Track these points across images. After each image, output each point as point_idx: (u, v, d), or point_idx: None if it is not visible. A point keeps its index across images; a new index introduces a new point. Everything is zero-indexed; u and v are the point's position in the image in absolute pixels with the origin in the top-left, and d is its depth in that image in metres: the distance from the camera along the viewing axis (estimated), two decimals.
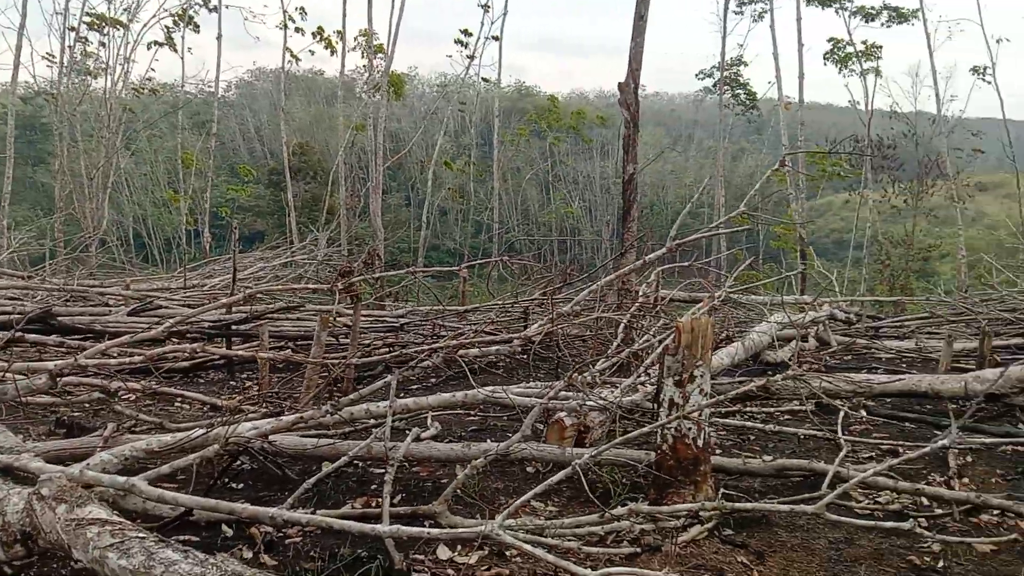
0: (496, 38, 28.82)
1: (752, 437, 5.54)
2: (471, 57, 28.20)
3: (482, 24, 27.90)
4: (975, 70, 27.06)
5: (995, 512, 3.81)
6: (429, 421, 4.41)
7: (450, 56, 29.36)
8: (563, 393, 4.38)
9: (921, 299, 17.35)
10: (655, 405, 4.18)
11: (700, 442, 3.94)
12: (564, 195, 51.73)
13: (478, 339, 6.63)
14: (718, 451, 5.06)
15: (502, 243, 33.61)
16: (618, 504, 3.80)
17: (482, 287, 14.76)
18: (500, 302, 9.11)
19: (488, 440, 5.02)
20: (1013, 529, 3.70)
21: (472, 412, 5.88)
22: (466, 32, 27.98)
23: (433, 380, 7.50)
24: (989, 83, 26.97)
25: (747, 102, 30.58)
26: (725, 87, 29.47)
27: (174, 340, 8.52)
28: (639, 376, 5.07)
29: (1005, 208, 31.24)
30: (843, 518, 3.45)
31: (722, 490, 3.98)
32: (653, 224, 36.11)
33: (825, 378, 6.39)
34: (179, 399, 6.39)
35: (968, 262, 24.23)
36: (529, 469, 4.58)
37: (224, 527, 3.60)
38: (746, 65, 29.83)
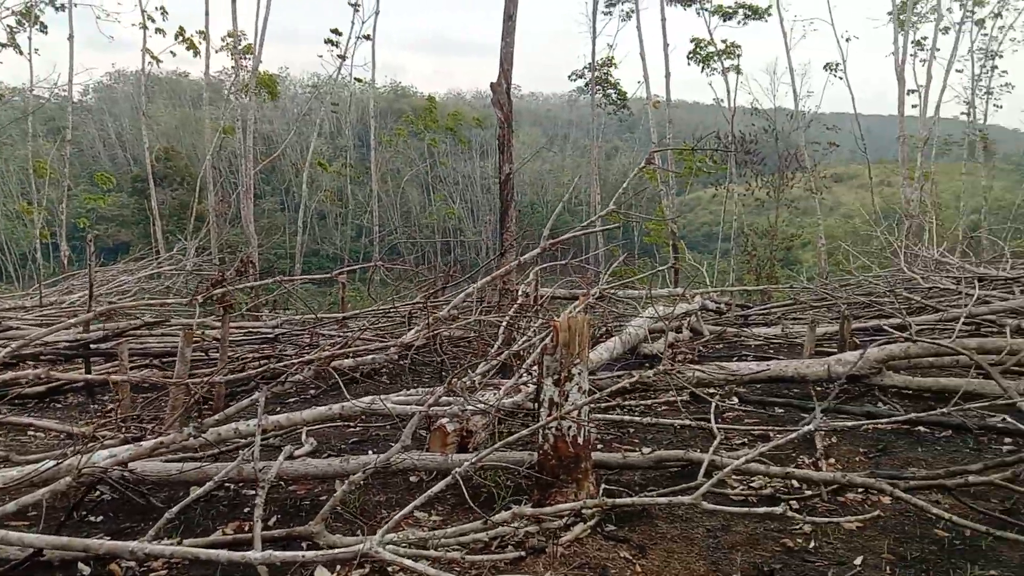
0: (368, 37, 28.35)
1: (632, 430, 5.62)
2: (342, 57, 27.65)
3: (352, 23, 27.42)
4: (828, 67, 28.77)
5: (859, 490, 3.99)
6: (304, 437, 4.23)
7: (320, 56, 28.70)
8: (444, 399, 4.29)
9: (786, 287, 18.28)
10: (536, 405, 4.16)
11: (580, 440, 3.95)
12: (445, 196, 51.66)
13: (353, 349, 6.42)
14: (599, 447, 5.11)
15: (384, 246, 33.14)
16: (502, 508, 3.76)
17: (364, 292, 14.49)
18: (380, 308, 8.92)
19: (370, 452, 4.88)
20: (876, 506, 3.89)
21: (353, 424, 5.72)
22: (336, 32, 27.42)
23: (312, 392, 7.26)
24: (841, 79, 28.73)
25: (618, 102, 31.31)
26: (596, 87, 30.08)
27: (28, 363, 7.89)
28: (520, 377, 5.05)
29: (859, 197, 33.43)
30: (719, 507, 3.53)
31: (604, 486, 4.01)
32: (534, 223, 36.51)
33: (698, 368, 6.60)
34: (31, 428, 5.90)
35: (827, 250, 25.69)
36: (413, 479, 4.47)
37: (81, 565, 3.33)
38: (616, 65, 30.53)
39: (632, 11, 28.49)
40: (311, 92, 43.22)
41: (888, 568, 3.23)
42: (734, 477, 4.29)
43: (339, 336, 7.75)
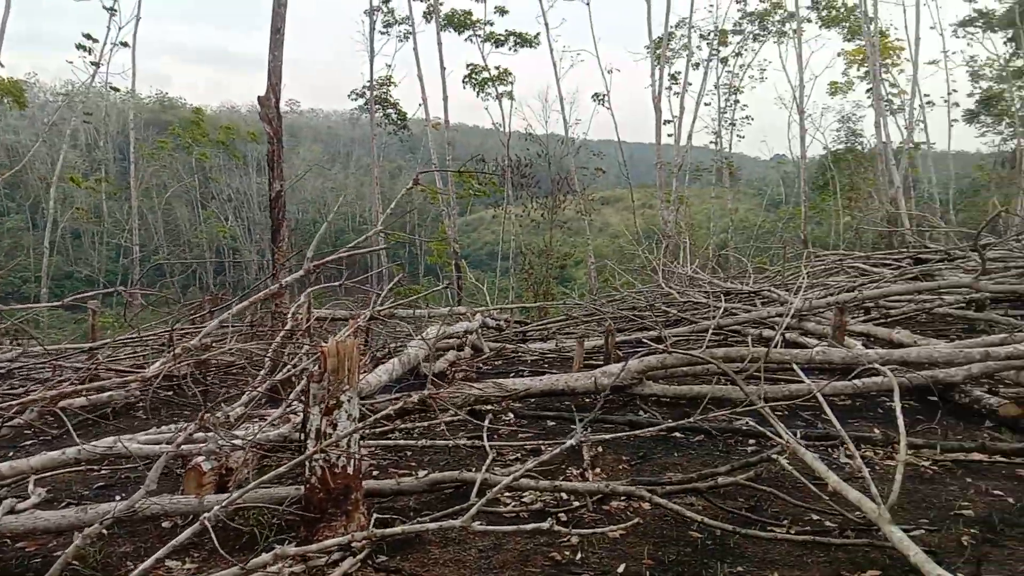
0: (126, 44, 26.29)
1: (410, 453, 5.53)
2: (96, 64, 25.40)
3: (108, 29, 25.32)
4: (595, 97, 30.68)
5: (622, 498, 4.16)
6: (31, 487, 3.71)
7: (71, 62, 26.23)
8: (198, 435, 3.95)
9: (560, 303, 19.09)
10: (302, 436, 3.95)
11: (351, 470, 3.79)
12: (216, 213, 48.91)
13: (85, 387, 5.77)
14: (376, 473, 4.97)
15: (147, 267, 30.66)
16: (264, 550, 3.50)
17: (121, 319, 13.24)
18: (124, 337, 8.16)
19: (117, 497, 4.39)
20: (637, 512, 4.06)
21: (97, 468, 5.13)
22: (90, 37, 25.16)
23: (55, 432, 6.46)
24: (607, 108, 30.71)
25: (398, 122, 31.36)
26: (376, 106, 29.92)
27: None
28: (289, 406, 4.79)
29: (624, 219, 35.76)
30: (488, 527, 3.51)
31: (375, 515, 3.86)
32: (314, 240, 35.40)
33: (475, 386, 6.65)
34: None
35: (597, 267, 27.23)
36: (165, 524, 4.07)
37: None
38: (395, 85, 30.59)
39: (409, 33, 28.70)
40: (63, 100, 39.32)
41: (648, 573, 3.37)
42: (507, 494, 4.32)
43: (85, 369, 6.97)
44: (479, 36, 29.03)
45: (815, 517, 3.92)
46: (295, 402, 4.98)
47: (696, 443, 5.46)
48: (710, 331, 7.63)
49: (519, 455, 5.28)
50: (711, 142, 34.13)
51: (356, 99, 31.73)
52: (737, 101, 33.77)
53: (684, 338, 9.69)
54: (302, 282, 8.62)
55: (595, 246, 31.29)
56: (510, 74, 29.55)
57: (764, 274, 16.28)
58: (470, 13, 28.79)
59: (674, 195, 28.35)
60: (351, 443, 3.72)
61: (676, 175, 29.30)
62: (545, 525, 3.27)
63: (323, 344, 3.89)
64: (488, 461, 4.22)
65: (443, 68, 26.54)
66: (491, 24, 29.39)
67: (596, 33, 30.54)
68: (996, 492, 4.27)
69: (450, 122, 27.28)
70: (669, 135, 30.12)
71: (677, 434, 5.63)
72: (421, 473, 4.66)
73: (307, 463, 3.75)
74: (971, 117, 34.17)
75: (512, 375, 8.48)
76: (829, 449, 5.01)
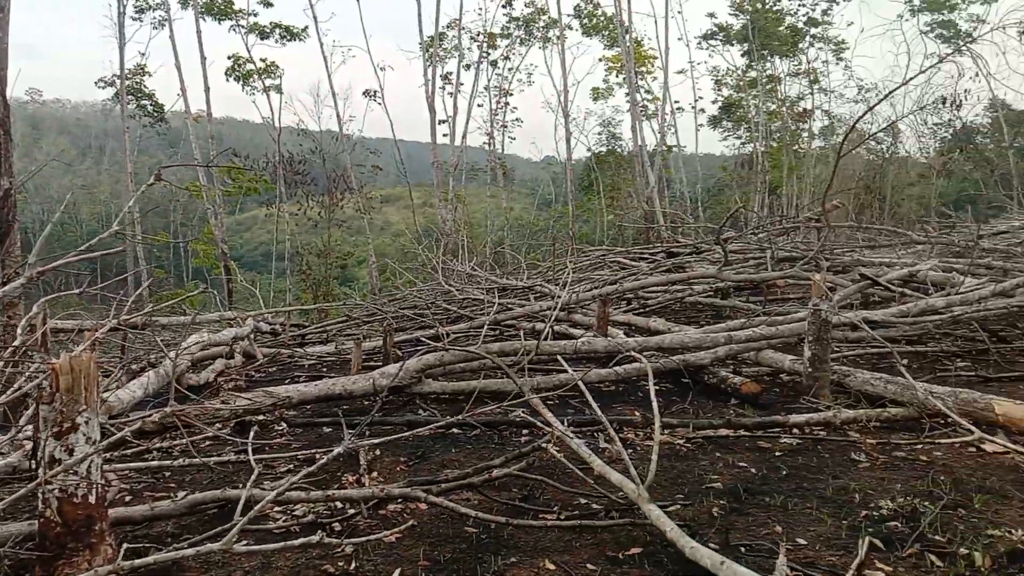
0: None
1: (168, 474, 5.09)
2: None
3: None
4: (367, 93, 30.32)
5: (398, 501, 4.08)
6: None
7: None
8: None
9: (341, 304, 18.68)
10: (32, 464, 3.48)
11: (92, 498, 3.39)
12: None
13: None
14: (128, 499, 4.53)
15: None
16: None
17: None
18: None
19: None
20: (415, 513, 4.01)
21: None
22: None
23: None
24: (380, 104, 30.46)
25: (154, 114, 29.10)
26: (129, 97, 27.56)
27: None
28: (19, 431, 4.22)
29: (405, 217, 35.73)
30: (253, 547, 3.29)
31: (127, 546, 3.50)
32: (65, 244, 32.09)
33: (245, 396, 6.29)
34: None
35: (379, 266, 26.98)
36: None
37: None
38: (150, 75, 28.39)
39: (165, 20, 26.74)
40: None
41: (423, 574, 3.32)
42: (277, 509, 4.10)
43: None
44: (243, 27, 27.67)
45: (583, 501, 4.08)
46: (27, 427, 4.41)
47: (473, 438, 5.52)
48: (485, 327, 7.77)
49: (291, 466, 5.04)
50: (485, 143, 34.99)
51: (104, 87, 29.07)
52: (507, 103, 34.89)
53: (463, 334, 9.81)
54: (43, 291, 7.71)
55: (376, 245, 30.97)
56: (278, 67, 28.48)
57: (537, 270, 16.93)
58: (231, 2, 27.36)
59: (451, 194, 28.74)
60: (91, 469, 3.33)
61: (453, 174, 29.72)
62: (315, 538, 3.11)
63: (53, 361, 3.45)
64: (254, 475, 3.95)
65: (204, 58, 25.00)
66: (255, 15, 28.19)
67: (368, 29, 30.21)
68: (741, 464, 4.68)
69: (215, 115, 25.77)
70: (445, 135, 30.54)
71: (455, 430, 5.65)
72: (180, 495, 4.31)
73: (41, 494, 3.31)
74: (715, 122, 37.78)
75: (288, 381, 8.12)
76: (596, 434, 5.24)
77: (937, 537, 3.44)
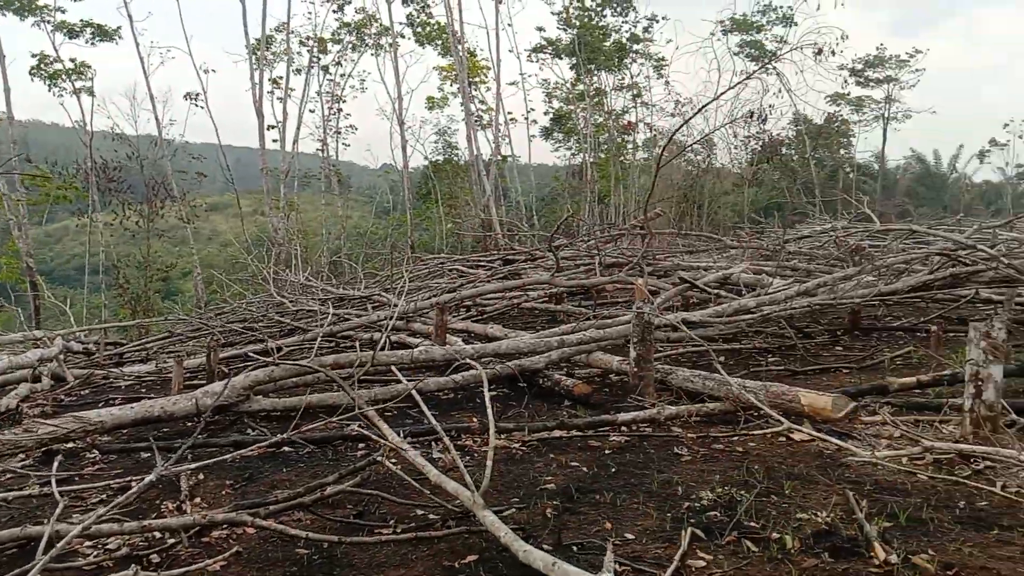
0: None
1: None
2: None
3: None
4: (188, 96, 28.83)
5: (223, 527, 3.87)
6: None
7: None
8: None
9: (162, 319, 17.60)
10: None
11: None
12: None
13: None
14: None
15: None
16: None
17: None
18: None
19: None
20: (242, 538, 3.81)
21: None
22: None
23: None
24: (202, 108, 29.03)
25: None
26: None
27: None
28: None
29: (234, 226, 34.21)
30: None
31: None
32: None
33: (51, 423, 5.76)
34: None
35: (206, 278, 25.64)
36: None
37: None
38: None
39: None
40: None
41: None
42: (87, 544, 3.77)
43: None
44: (49, 23, 25.54)
45: (420, 512, 4.03)
46: None
47: (306, 455, 5.33)
48: (319, 339, 7.55)
49: (104, 497, 4.66)
50: (318, 149, 34.11)
51: None
52: (340, 110, 34.18)
53: (296, 348, 9.50)
54: None
55: (203, 256, 29.44)
56: (89, 68, 26.49)
57: (375, 279, 16.71)
58: None
59: (283, 202, 27.82)
60: None
61: (284, 181, 28.78)
62: (128, 572, 2.89)
63: None
64: (59, 509, 3.63)
65: (2, 56, 22.84)
66: (63, 11, 26.10)
67: (189, 30, 28.78)
68: (573, 464, 4.81)
69: (20, 119, 23.64)
70: (275, 140, 29.53)
71: (287, 448, 5.44)
72: None
73: None
74: (546, 133, 38.86)
75: (102, 405, 7.53)
76: (434, 444, 5.22)
77: (752, 523, 3.68)
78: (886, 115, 38.53)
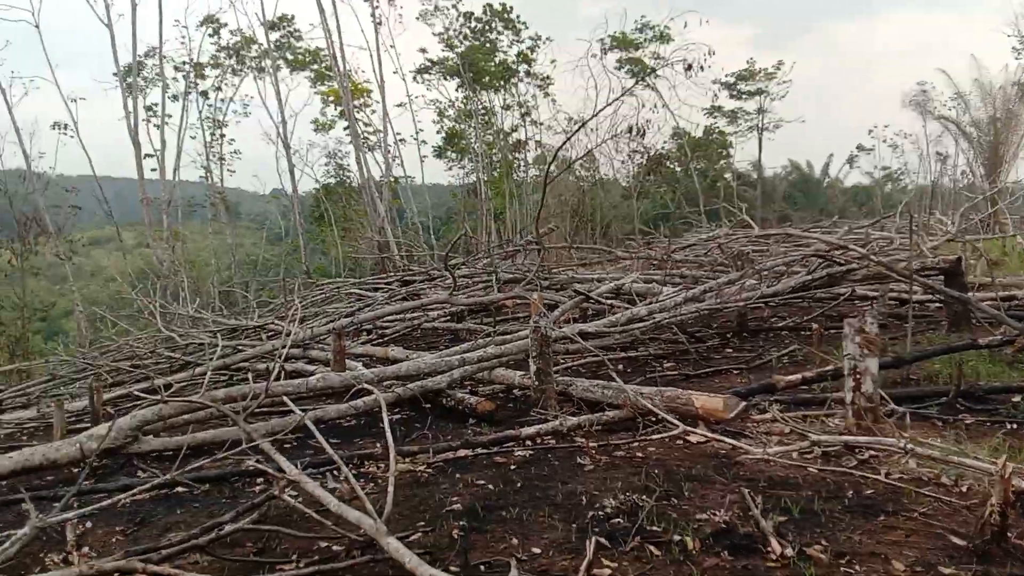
0: None
1: None
2: None
3: None
4: (57, 126, 27.47)
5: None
6: None
7: None
8: None
9: (43, 362, 16.61)
10: None
11: None
12: None
13: None
14: None
15: None
16: None
17: None
18: None
19: None
20: None
21: None
22: None
23: None
24: (73, 138, 27.68)
25: None
26: None
27: None
28: None
29: (118, 261, 32.62)
30: None
31: None
32: None
33: None
34: None
35: (90, 316, 24.37)
36: None
37: None
38: None
39: None
40: None
41: None
42: None
43: None
44: None
45: (324, 545, 3.94)
46: None
47: (202, 495, 5.13)
48: (208, 373, 7.29)
49: None
50: (202, 176, 33.03)
51: None
52: (223, 135, 33.26)
53: (188, 383, 9.13)
54: None
55: (85, 293, 27.95)
56: None
57: (270, 307, 16.28)
58: None
59: (167, 232, 26.80)
60: None
61: (167, 211, 27.74)
62: None
63: None
64: None
65: None
66: None
67: (53, 59, 27.44)
68: (479, 482, 4.80)
69: None
70: (153, 169, 28.43)
71: (181, 489, 5.22)
72: None
73: None
74: (439, 153, 38.89)
75: None
76: (335, 472, 5.11)
77: (654, 528, 3.77)
78: (760, 125, 40.41)
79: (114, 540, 4.40)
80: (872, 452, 4.68)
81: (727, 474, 4.54)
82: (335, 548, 3.87)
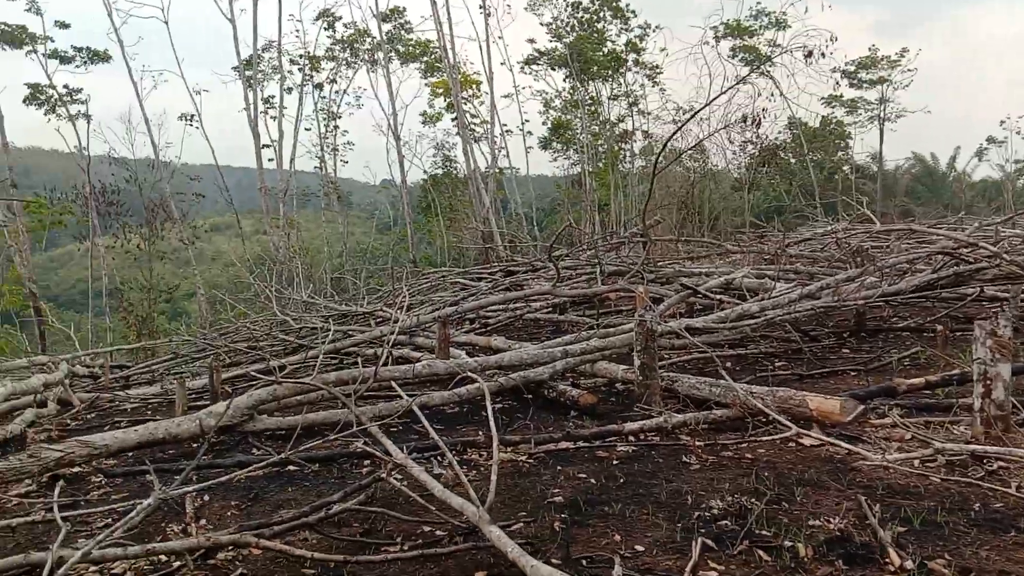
0: None
1: None
2: None
3: None
4: (183, 117, 28.96)
5: (228, 548, 3.83)
6: None
7: None
8: None
9: (167, 341, 17.60)
10: None
11: None
12: None
13: None
14: None
15: None
16: None
17: None
18: None
19: None
20: (248, 559, 3.78)
21: None
22: None
23: None
24: (196, 128, 29.13)
25: None
26: None
27: None
28: None
29: (236, 246, 34.25)
30: None
31: None
32: None
33: (56, 447, 5.74)
34: None
35: (210, 299, 25.66)
36: None
37: None
38: None
39: None
40: None
41: None
42: (93, 568, 3.74)
43: None
44: (40, 52, 25.82)
45: (427, 529, 3.99)
46: None
47: (311, 474, 5.29)
48: (320, 356, 7.52)
49: (110, 521, 4.62)
50: (316, 167, 34.16)
51: None
52: (337, 127, 34.26)
53: (300, 365, 9.46)
54: None
55: (207, 276, 29.47)
56: (81, 91, 26.76)
57: (378, 295, 16.69)
58: (25, 28, 25.50)
59: (283, 220, 27.86)
60: None
61: (283, 200, 28.84)
62: None
63: None
64: (62, 535, 3.59)
65: None
66: (53, 40, 26.41)
67: (179, 53, 28.99)
68: (581, 475, 4.76)
69: (18, 145, 23.83)
70: (271, 159, 29.60)
71: (292, 467, 5.40)
72: None
73: None
74: (544, 144, 38.90)
75: (107, 428, 7.52)
76: (438, 459, 5.17)
77: (764, 532, 3.63)
78: (881, 116, 38.44)
79: (229, 514, 4.60)
80: (1002, 463, 4.37)
81: (842, 480, 4.33)
82: (438, 533, 3.92)
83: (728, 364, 7.63)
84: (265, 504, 4.71)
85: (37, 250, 27.04)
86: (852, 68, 37.25)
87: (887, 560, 3.23)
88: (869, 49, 38.23)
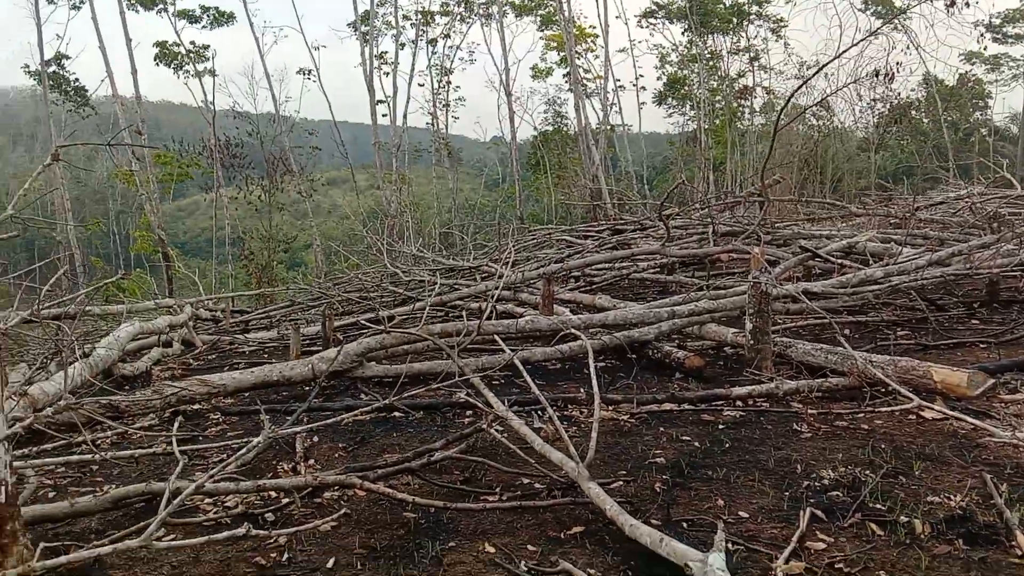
0: None
1: (96, 468, 4.86)
2: None
3: None
4: (302, 72, 29.71)
5: (334, 488, 3.95)
6: None
7: None
8: None
9: (284, 289, 18.33)
10: None
11: (2, 496, 3.19)
12: None
13: None
14: (52, 495, 4.31)
15: None
16: None
17: None
18: None
19: None
20: (352, 500, 3.89)
21: None
22: None
23: None
24: (315, 83, 29.88)
25: (76, 99, 28.08)
26: (51, 81, 26.54)
27: None
28: None
29: (351, 200, 35.22)
30: (174, 543, 3.14)
31: (43, 544, 3.30)
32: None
33: (178, 384, 6.07)
34: None
35: (325, 250, 26.55)
36: None
37: None
38: (69, 58, 27.43)
39: (82, 1, 25.76)
40: None
41: (359, 563, 3.21)
42: (207, 500, 3.94)
43: None
44: (170, 11, 26.95)
45: (525, 481, 3.99)
46: None
47: (415, 421, 5.40)
48: (427, 308, 7.63)
49: (225, 456, 4.86)
50: (428, 123, 34.50)
51: (29, 76, 27.88)
52: (449, 83, 34.39)
53: (408, 316, 9.65)
54: None
55: (322, 228, 30.46)
56: (206, 49, 27.83)
57: (484, 250, 16.80)
58: None
59: (395, 175, 28.36)
60: None
61: (396, 155, 29.33)
62: (241, 531, 2.97)
63: None
64: (179, 467, 3.79)
65: (129, 40, 24.25)
66: None
67: (300, 9, 29.71)
68: (684, 438, 4.65)
69: (150, 99, 25.22)
70: (384, 115, 30.07)
71: (397, 414, 5.53)
72: (108, 487, 4.12)
73: None
74: (660, 99, 37.89)
75: (227, 368, 7.89)
76: (539, 413, 5.16)
77: (878, 505, 3.45)
78: None
79: (336, 455, 4.75)
80: None
81: (966, 456, 4.06)
82: (536, 486, 3.91)
83: (846, 331, 7.27)
84: (370, 447, 4.83)
85: (166, 199, 28.61)
86: (998, 21, 34.37)
87: (1014, 543, 3.00)
88: (1020, 0, 35.16)
